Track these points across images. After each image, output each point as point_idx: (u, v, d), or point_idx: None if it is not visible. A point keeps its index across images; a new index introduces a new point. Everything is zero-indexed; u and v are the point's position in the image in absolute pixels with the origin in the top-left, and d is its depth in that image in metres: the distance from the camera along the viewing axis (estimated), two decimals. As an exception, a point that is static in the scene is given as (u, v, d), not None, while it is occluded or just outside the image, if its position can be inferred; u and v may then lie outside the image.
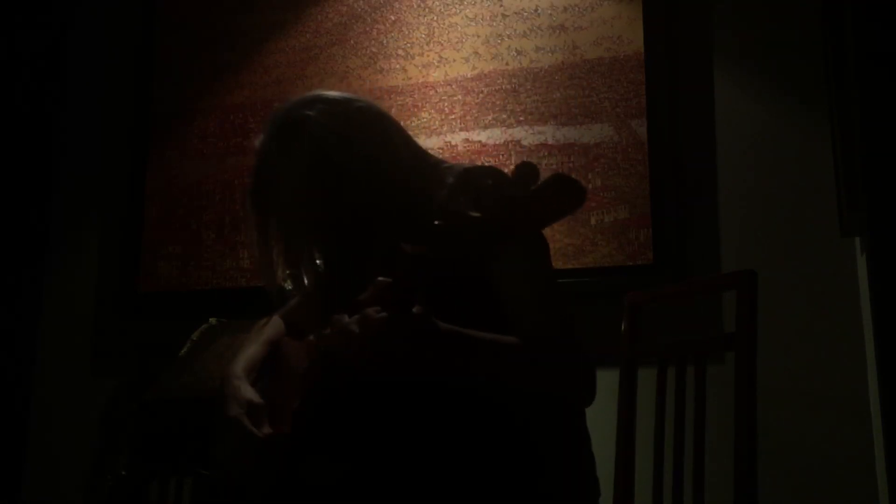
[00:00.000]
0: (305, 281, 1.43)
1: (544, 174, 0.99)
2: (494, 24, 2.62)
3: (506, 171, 1.26)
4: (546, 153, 2.49)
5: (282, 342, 1.42)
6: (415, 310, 1.08)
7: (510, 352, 1.22)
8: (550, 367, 1.24)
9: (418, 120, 2.61)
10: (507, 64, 2.59)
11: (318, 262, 1.40)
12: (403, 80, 2.66)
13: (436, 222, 0.99)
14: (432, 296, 1.09)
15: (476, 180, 1.25)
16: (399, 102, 2.65)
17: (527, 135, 2.52)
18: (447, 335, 1.16)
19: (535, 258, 1.32)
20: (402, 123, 2.47)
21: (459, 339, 1.18)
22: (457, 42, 2.65)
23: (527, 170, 0.97)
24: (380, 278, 1.08)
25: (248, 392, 1.33)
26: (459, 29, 2.66)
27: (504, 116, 2.55)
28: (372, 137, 1.35)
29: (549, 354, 1.24)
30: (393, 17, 2.73)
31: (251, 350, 1.43)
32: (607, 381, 2.02)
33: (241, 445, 1.27)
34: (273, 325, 1.49)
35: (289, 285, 2.36)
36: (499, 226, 0.97)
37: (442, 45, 2.66)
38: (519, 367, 1.23)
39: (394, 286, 1.07)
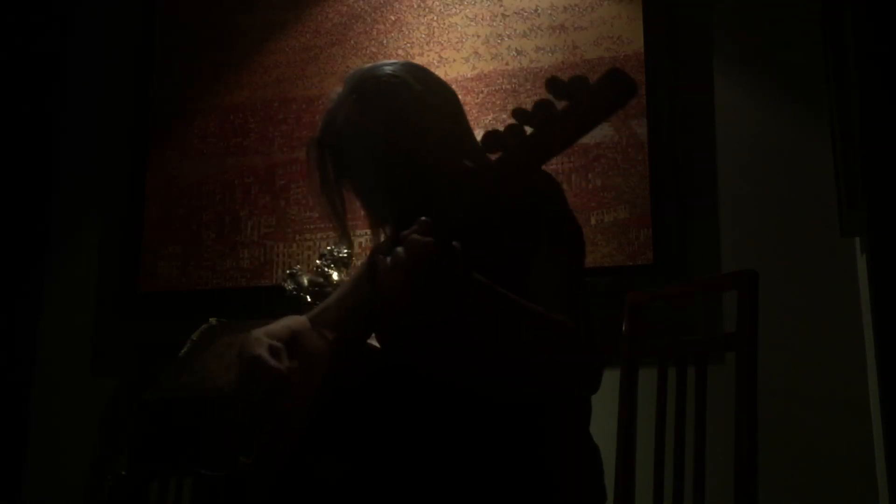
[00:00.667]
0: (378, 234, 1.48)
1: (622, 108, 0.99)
2: (494, 24, 2.62)
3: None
4: (546, 153, 2.49)
5: (303, 334, 1.42)
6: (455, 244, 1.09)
7: (537, 317, 1.22)
8: (567, 347, 1.24)
9: (418, 120, 2.61)
10: (507, 64, 2.59)
11: (385, 217, 1.44)
12: (403, 80, 2.66)
13: (463, 167, 1.04)
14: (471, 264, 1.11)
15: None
16: (399, 102, 2.64)
17: (527, 135, 2.52)
18: (480, 281, 1.17)
19: (575, 253, 1.37)
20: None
21: (492, 288, 1.19)
22: (457, 42, 2.65)
23: (577, 78, 0.98)
24: (422, 218, 1.09)
25: (268, 339, 1.36)
26: (459, 29, 2.66)
27: (504, 116, 2.55)
28: (447, 106, 1.41)
29: (569, 336, 1.24)
30: (393, 17, 2.73)
31: (271, 326, 1.44)
32: (607, 381, 2.02)
33: (264, 379, 1.29)
34: (295, 319, 1.49)
35: (288, 285, 2.37)
36: (555, 132, 0.99)
37: (442, 45, 2.66)
38: (541, 337, 1.23)
39: (433, 223, 1.08)
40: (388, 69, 1.40)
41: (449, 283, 1.09)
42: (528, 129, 1.00)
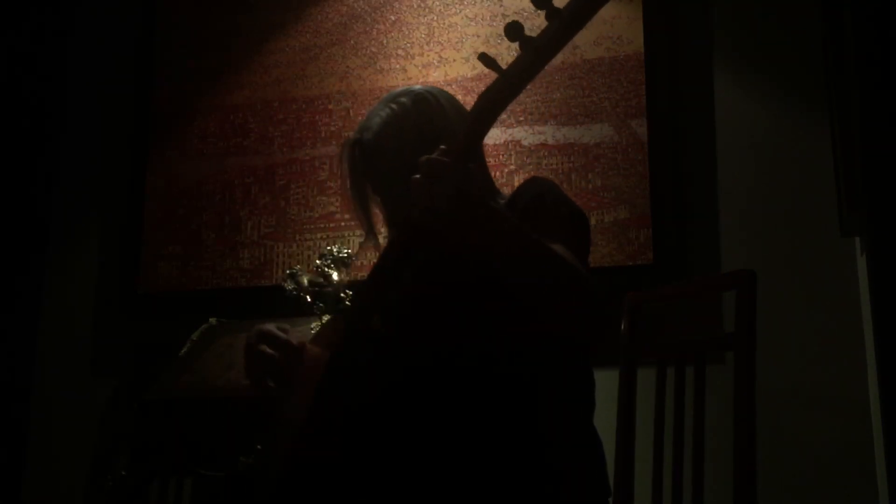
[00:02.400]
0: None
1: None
2: (494, 24, 2.62)
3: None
4: (546, 153, 2.49)
5: (304, 345, 1.44)
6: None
7: (532, 239, 1.26)
8: (566, 275, 1.27)
9: (418, 120, 2.61)
10: (507, 64, 2.58)
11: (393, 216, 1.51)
12: (403, 80, 2.66)
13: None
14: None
15: None
16: (399, 102, 2.65)
17: (527, 135, 2.52)
18: (483, 200, 1.25)
19: (581, 237, 1.41)
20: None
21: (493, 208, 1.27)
22: (457, 42, 2.65)
23: None
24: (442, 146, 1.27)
25: (270, 327, 1.41)
26: (459, 29, 2.66)
27: (504, 116, 2.54)
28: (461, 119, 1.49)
29: (569, 267, 1.27)
30: (393, 17, 2.73)
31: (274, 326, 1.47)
32: (607, 381, 2.02)
33: (274, 349, 1.36)
34: (297, 334, 1.51)
35: (288, 285, 2.37)
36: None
37: (442, 45, 2.66)
38: (539, 259, 1.26)
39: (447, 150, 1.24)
40: (414, 88, 1.53)
41: (447, 183, 1.19)
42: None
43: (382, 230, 1.59)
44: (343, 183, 1.55)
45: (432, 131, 1.44)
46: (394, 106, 1.49)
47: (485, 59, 1.27)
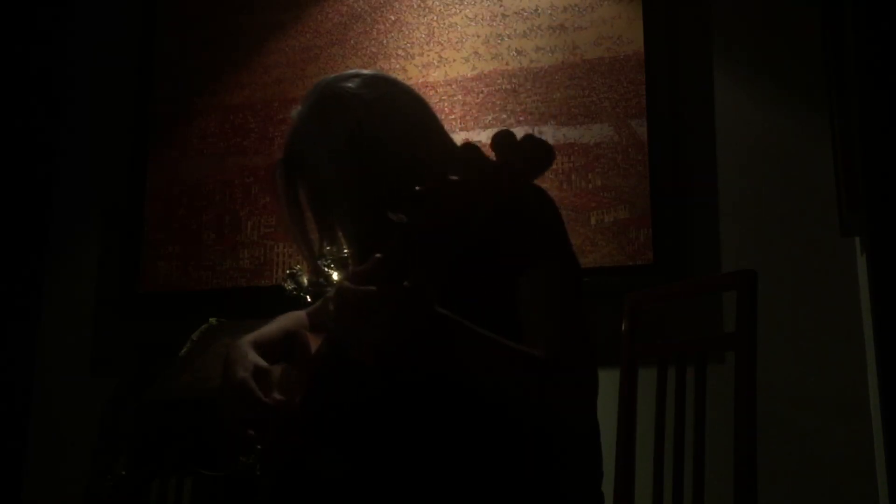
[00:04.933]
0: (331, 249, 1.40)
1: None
2: (494, 24, 2.63)
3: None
4: (546, 153, 2.49)
5: (299, 334, 1.42)
6: (405, 283, 1.04)
7: (515, 358, 1.18)
8: (544, 387, 1.19)
9: (418, 120, 2.61)
10: (507, 64, 2.59)
11: (346, 233, 1.38)
12: (403, 80, 2.65)
13: (416, 188, 1.01)
14: (446, 289, 1.08)
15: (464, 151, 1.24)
16: (399, 102, 2.64)
17: (527, 135, 2.52)
18: (443, 318, 1.12)
19: (568, 280, 1.28)
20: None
21: (458, 325, 1.14)
22: (457, 42, 2.65)
23: (500, 137, 1.01)
24: (376, 254, 1.06)
25: (255, 357, 1.33)
26: (459, 29, 2.66)
27: (504, 116, 2.55)
28: (407, 118, 1.35)
29: (557, 376, 1.19)
30: (393, 17, 2.73)
31: (264, 329, 1.43)
32: (607, 381, 2.02)
33: (247, 409, 1.26)
34: (292, 317, 1.48)
35: (288, 285, 2.37)
36: (476, 187, 1.00)
37: (442, 45, 2.66)
38: (520, 377, 1.19)
39: (385, 260, 1.05)
40: (343, 84, 1.34)
41: (395, 325, 1.06)
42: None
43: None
44: (279, 210, 1.39)
45: (360, 134, 1.29)
46: (314, 114, 1.33)
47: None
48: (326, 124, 1.32)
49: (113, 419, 2.73)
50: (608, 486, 1.67)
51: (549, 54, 2.56)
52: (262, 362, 1.32)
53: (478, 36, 2.64)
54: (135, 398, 2.45)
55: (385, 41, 2.72)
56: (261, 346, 1.39)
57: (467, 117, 2.57)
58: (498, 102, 2.57)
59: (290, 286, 2.38)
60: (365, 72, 1.39)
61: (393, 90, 1.37)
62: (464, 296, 1.19)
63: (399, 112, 1.34)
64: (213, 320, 2.46)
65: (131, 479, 2.24)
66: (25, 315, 2.91)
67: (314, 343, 1.39)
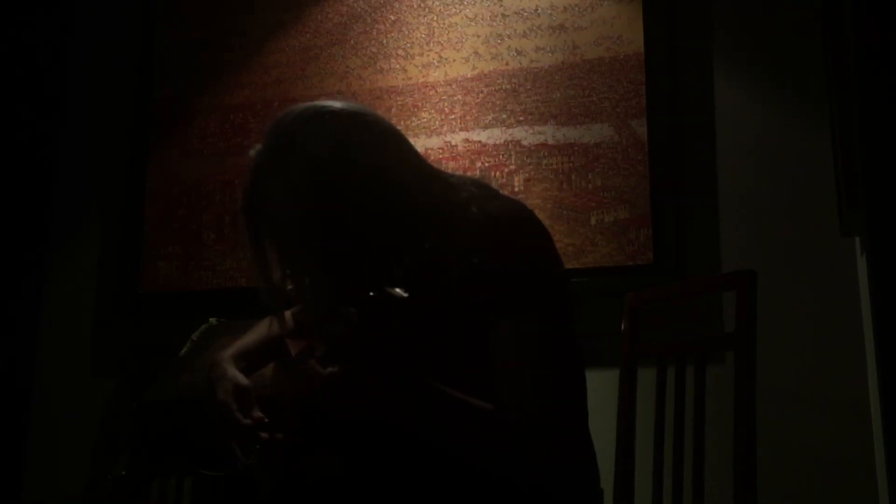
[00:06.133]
0: (295, 292, 1.35)
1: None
2: (494, 24, 2.62)
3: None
4: (546, 153, 2.49)
5: (277, 343, 1.42)
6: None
7: (476, 420, 1.14)
8: (524, 449, 1.15)
9: (418, 120, 2.61)
10: (507, 64, 2.59)
11: (308, 275, 1.32)
12: (403, 80, 2.66)
13: (370, 293, 1.04)
14: (420, 347, 1.10)
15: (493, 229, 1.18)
16: (399, 102, 2.65)
17: (527, 135, 2.52)
18: (406, 386, 1.12)
19: (544, 332, 1.21)
20: (402, 124, 2.45)
21: (422, 392, 1.14)
22: (457, 42, 2.65)
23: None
24: (350, 309, 1.08)
25: (235, 375, 1.33)
26: (459, 29, 2.66)
27: (504, 116, 2.55)
28: (372, 154, 1.27)
29: (524, 435, 1.14)
30: (393, 17, 2.73)
31: (245, 339, 1.42)
32: (607, 381, 2.03)
33: (228, 431, 1.28)
34: (275, 321, 1.47)
35: (289, 285, 2.37)
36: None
37: (442, 45, 2.66)
38: (482, 441, 1.15)
39: (357, 331, 1.08)
40: (302, 125, 1.27)
41: (358, 398, 1.09)
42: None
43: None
44: (246, 252, 1.34)
45: (324, 180, 1.22)
46: (271, 158, 1.27)
47: None
48: (283, 167, 1.26)
49: (113, 419, 2.73)
50: (609, 487, 1.68)
51: (549, 54, 2.56)
52: (242, 380, 1.31)
53: (478, 36, 2.64)
54: (135, 398, 2.45)
55: (385, 41, 2.72)
56: (243, 358, 1.38)
57: (467, 117, 2.57)
58: (498, 102, 2.57)
59: (289, 286, 2.38)
60: (324, 105, 1.31)
61: (351, 124, 1.29)
62: (436, 350, 1.17)
63: (360, 149, 1.26)
64: (213, 320, 2.46)
65: (131, 479, 2.25)
66: (25, 315, 2.91)
67: (294, 348, 1.39)
